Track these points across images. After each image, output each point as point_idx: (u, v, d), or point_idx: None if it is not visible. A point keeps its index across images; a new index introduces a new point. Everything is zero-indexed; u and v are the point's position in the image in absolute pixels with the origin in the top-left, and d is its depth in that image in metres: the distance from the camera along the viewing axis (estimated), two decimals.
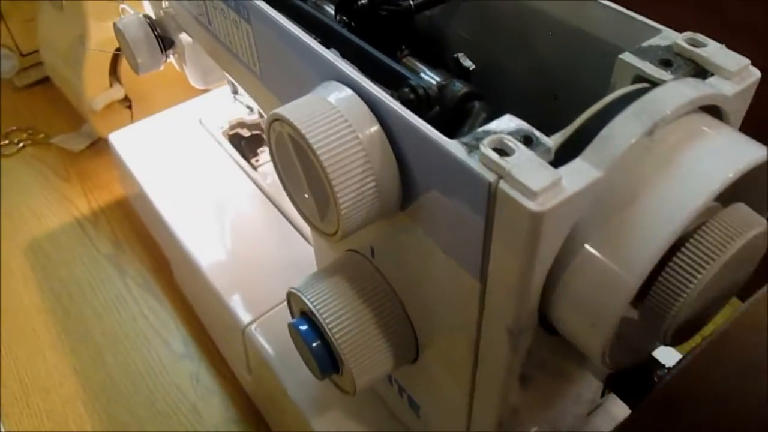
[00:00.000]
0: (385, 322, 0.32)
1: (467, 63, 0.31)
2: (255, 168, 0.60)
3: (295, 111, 0.24)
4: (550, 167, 0.20)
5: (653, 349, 0.27)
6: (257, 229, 0.54)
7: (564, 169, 0.21)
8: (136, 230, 0.70)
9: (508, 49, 0.34)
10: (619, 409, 0.41)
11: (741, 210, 0.22)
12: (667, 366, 0.35)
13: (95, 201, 0.74)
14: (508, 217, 0.21)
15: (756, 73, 0.24)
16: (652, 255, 0.20)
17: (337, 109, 0.24)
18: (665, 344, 0.24)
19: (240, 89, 0.63)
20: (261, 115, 0.63)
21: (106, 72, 0.71)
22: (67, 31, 0.71)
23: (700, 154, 0.21)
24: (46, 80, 0.88)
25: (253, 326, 0.47)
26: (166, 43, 0.49)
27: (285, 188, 0.28)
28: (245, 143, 0.64)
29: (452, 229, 0.24)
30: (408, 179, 0.25)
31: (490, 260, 0.23)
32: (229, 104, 0.65)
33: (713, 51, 0.25)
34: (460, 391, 0.30)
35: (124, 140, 0.63)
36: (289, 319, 0.36)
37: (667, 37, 0.26)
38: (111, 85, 0.72)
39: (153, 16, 0.51)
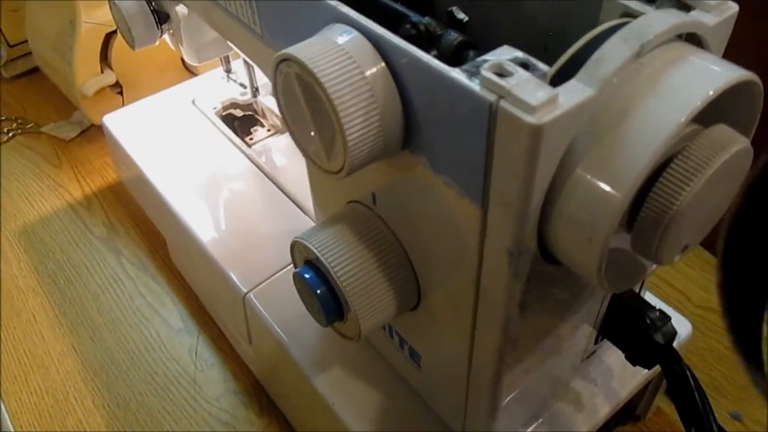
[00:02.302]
0: (388, 267, 0.33)
1: (461, 15, 0.33)
2: (249, 146, 0.61)
3: (303, 50, 0.26)
4: (548, 86, 0.22)
5: (646, 272, 0.28)
6: (253, 202, 0.55)
7: (560, 88, 0.22)
8: (129, 213, 0.71)
9: (498, 3, 0.35)
10: (612, 358, 0.43)
11: (723, 129, 0.24)
12: (657, 309, 0.36)
13: (88, 186, 0.74)
14: (509, 135, 0.22)
15: (734, 7, 0.26)
16: (641, 169, 0.22)
17: (343, 47, 0.26)
18: (657, 263, 0.25)
19: (233, 67, 0.64)
20: (254, 95, 0.64)
21: (96, 57, 0.72)
22: (57, 18, 0.71)
23: (684, 75, 0.23)
24: (34, 71, 0.88)
25: (252, 293, 0.48)
26: (161, 17, 0.49)
27: (290, 130, 0.29)
28: (238, 123, 0.64)
29: (454, 158, 0.25)
30: (410, 115, 0.26)
31: (491, 183, 0.24)
32: (221, 85, 0.66)
33: None
34: (462, 330, 0.32)
35: (118, 122, 0.64)
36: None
37: None
38: (102, 71, 0.73)
39: None
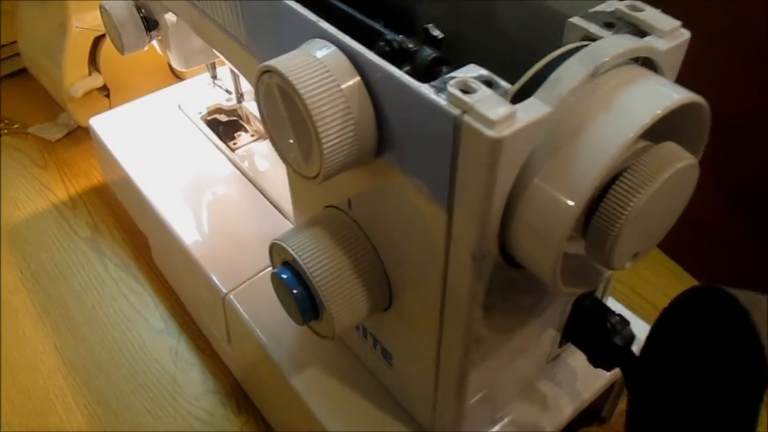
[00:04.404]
0: (362, 269, 0.35)
1: (436, 32, 0.35)
2: (233, 150, 0.62)
3: (284, 63, 0.27)
4: (508, 102, 0.24)
5: (601, 277, 0.30)
6: (236, 206, 0.57)
7: (519, 105, 0.24)
8: (114, 215, 0.72)
9: (475, 21, 0.37)
10: (576, 361, 0.45)
11: (671, 147, 0.26)
12: (618, 314, 0.38)
13: (73, 188, 0.75)
14: (472, 147, 0.24)
15: (686, 33, 0.28)
16: (591, 181, 0.24)
17: (321, 62, 0.27)
18: (609, 268, 0.27)
19: (219, 73, 0.66)
20: (238, 101, 0.65)
21: (85, 60, 0.73)
22: (48, 20, 0.73)
23: (635, 95, 0.25)
24: (21, 72, 0.89)
25: (232, 294, 0.50)
26: (150, 24, 0.51)
27: (270, 137, 0.31)
28: (223, 128, 0.66)
29: (423, 167, 0.27)
30: (384, 125, 0.28)
31: (456, 190, 0.26)
32: (207, 91, 0.67)
33: (650, 14, 0.28)
34: (430, 330, 0.33)
35: (104, 124, 0.65)
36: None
37: (612, 4, 0.30)
38: (90, 74, 0.74)
39: None
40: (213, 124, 0.66)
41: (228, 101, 0.66)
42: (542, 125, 0.24)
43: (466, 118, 0.24)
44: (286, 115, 0.29)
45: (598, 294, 0.40)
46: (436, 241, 0.29)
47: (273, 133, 0.30)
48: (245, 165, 0.61)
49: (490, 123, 0.23)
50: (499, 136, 0.23)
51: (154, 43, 0.56)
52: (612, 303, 0.48)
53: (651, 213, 0.26)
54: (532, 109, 0.24)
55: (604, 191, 0.25)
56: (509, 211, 0.26)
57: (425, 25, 0.35)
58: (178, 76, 0.79)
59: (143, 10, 0.51)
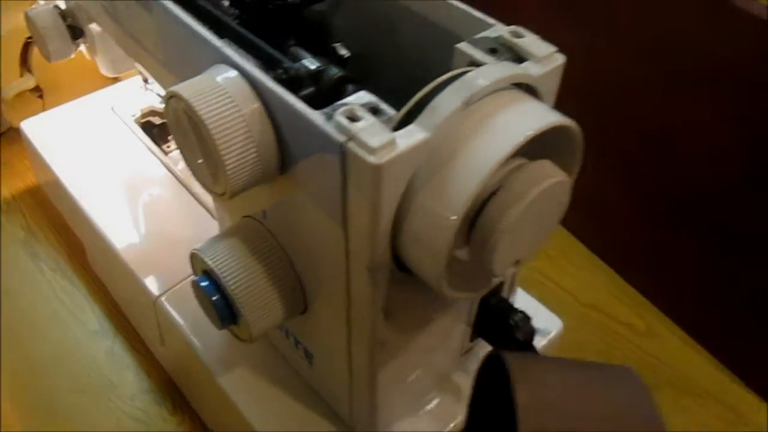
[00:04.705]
0: (276, 277, 0.37)
1: (343, 51, 0.37)
2: (166, 153, 0.63)
3: (187, 89, 0.29)
4: (388, 130, 0.26)
5: (489, 282, 0.32)
6: (168, 209, 0.58)
7: (399, 132, 0.26)
8: (48, 217, 0.72)
9: (382, 41, 0.39)
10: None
11: (543, 164, 0.28)
12: (520, 310, 0.41)
13: (7, 189, 0.75)
14: (357, 171, 0.26)
15: (560, 58, 0.31)
16: (467, 197, 0.26)
17: (223, 87, 0.29)
18: (492, 275, 0.30)
19: (150, 77, 0.66)
20: None
21: (16, 62, 0.72)
22: None
23: (508, 118, 0.27)
24: None
25: (163, 297, 0.51)
26: (76, 32, 0.51)
27: (183, 156, 0.32)
28: (157, 131, 0.67)
29: (320, 186, 0.29)
30: (284, 146, 0.30)
31: (348, 209, 0.28)
32: (140, 93, 0.68)
33: (529, 41, 0.31)
34: (341, 332, 0.36)
35: (36, 128, 0.65)
36: None
37: (497, 30, 0.32)
38: (21, 75, 0.74)
39: (63, 6, 0.53)
40: (147, 127, 0.67)
41: (162, 104, 0.66)
42: (421, 150, 0.26)
43: (351, 145, 0.26)
44: (194, 137, 0.30)
45: (504, 292, 0.43)
46: (336, 254, 0.31)
47: (184, 152, 0.32)
48: (178, 168, 0.62)
49: (371, 150, 0.25)
50: (380, 162, 0.25)
51: (82, 48, 0.57)
52: (529, 295, 0.51)
53: (526, 224, 0.28)
54: (411, 136, 0.26)
55: (484, 205, 0.28)
56: (398, 226, 0.28)
57: (333, 44, 0.37)
58: (113, 77, 0.79)
59: (68, 18, 0.51)
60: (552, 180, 0.28)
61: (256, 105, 0.29)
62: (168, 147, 0.64)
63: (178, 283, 0.52)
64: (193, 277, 0.39)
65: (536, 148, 0.29)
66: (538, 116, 0.28)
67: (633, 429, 0.20)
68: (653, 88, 0.55)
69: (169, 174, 0.61)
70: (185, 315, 0.50)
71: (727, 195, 0.54)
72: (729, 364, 0.61)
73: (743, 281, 0.56)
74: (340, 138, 0.26)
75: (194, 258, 0.38)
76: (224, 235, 0.38)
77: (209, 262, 0.36)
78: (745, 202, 0.53)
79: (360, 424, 0.42)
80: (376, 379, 0.37)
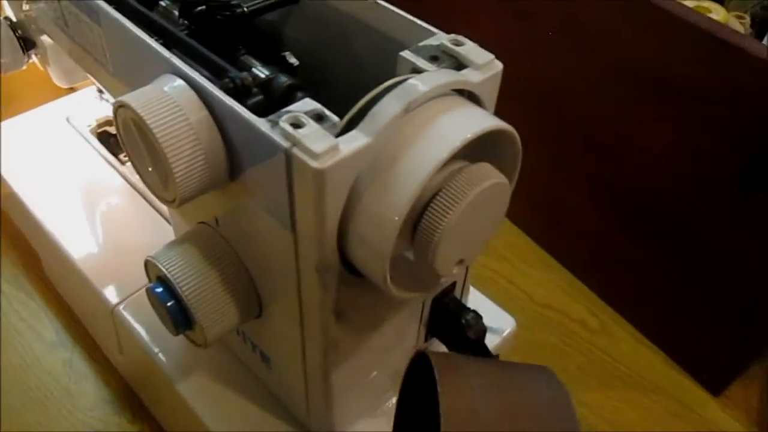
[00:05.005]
0: (230, 282, 0.37)
1: (292, 60, 0.38)
2: (123, 163, 0.63)
3: (135, 99, 0.30)
4: (331, 136, 0.27)
5: (436, 283, 0.34)
6: (125, 218, 0.58)
7: (342, 138, 0.27)
8: (4, 229, 0.71)
9: (332, 49, 0.40)
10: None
11: (483, 167, 0.30)
12: (472, 310, 0.43)
13: None
14: (302, 176, 0.27)
15: (499, 66, 0.32)
16: (409, 198, 0.27)
17: (171, 96, 0.30)
18: (437, 274, 0.31)
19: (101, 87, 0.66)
20: None
21: None
22: None
23: (447, 123, 0.28)
24: None
25: (121, 306, 0.51)
26: (27, 44, 0.51)
27: (133, 164, 0.33)
28: (113, 141, 0.66)
29: (268, 192, 0.30)
30: (232, 153, 0.31)
31: (295, 213, 0.29)
32: (96, 103, 0.68)
33: (469, 49, 0.32)
34: (295, 335, 0.36)
35: None
36: None
37: (439, 38, 0.33)
38: None
39: (14, 18, 0.53)
40: (103, 137, 0.66)
41: None
42: (363, 155, 0.27)
43: (295, 150, 0.27)
44: (143, 146, 0.31)
45: (457, 292, 0.44)
46: (287, 257, 0.32)
47: (134, 160, 0.32)
48: (135, 178, 0.62)
49: (314, 155, 0.26)
50: (323, 167, 0.26)
51: (34, 59, 0.57)
52: (483, 295, 0.52)
53: (467, 225, 0.30)
54: (353, 141, 0.27)
55: (426, 207, 0.29)
56: (344, 228, 0.29)
57: (283, 53, 0.38)
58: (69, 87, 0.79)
59: (19, 30, 0.51)
60: (491, 181, 0.29)
61: (204, 113, 0.30)
62: (124, 156, 0.64)
63: (135, 292, 0.52)
64: (148, 285, 0.39)
65: (477, 152, 0.30)
66: (476, 121, 0.29)
67: (551, 429, 0.22)
68: (606, 93, 0.57)
69: (126, 183, 0.61)
70: (143, 323, 0.50)
71: (678, 198, 0.56)
72: (679, 360, 0.63)
73: (692, 280, 0.58)
74: (285, 144, 0.27)
75: (149, 265, 0.38)
76: (178, 241, 0.38)
77: (163, 269, 0.37)
78: (695, 204, 0.55)
79: (317, 425, 0.43)
80: (331, 379, 0.38)
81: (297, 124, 0.27)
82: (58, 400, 0.57)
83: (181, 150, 0.29)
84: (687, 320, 0.61)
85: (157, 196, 0.32)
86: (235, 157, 0.31)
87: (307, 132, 0.27)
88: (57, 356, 0.60)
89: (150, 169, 0.31)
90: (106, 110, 0.67)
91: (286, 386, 0.43)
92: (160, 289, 0.37)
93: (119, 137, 0.32)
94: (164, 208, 0.58)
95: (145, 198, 0.59)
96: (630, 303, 0.66)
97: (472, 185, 0.29)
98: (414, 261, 0.32)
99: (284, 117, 0.27)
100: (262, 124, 0.28)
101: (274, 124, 0.28)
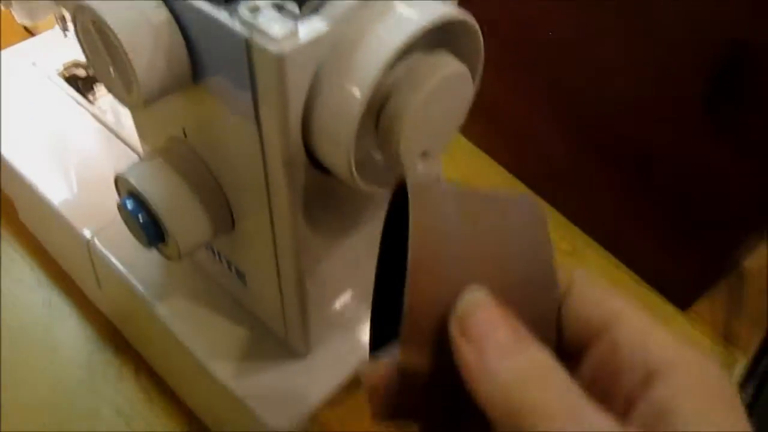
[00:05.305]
0: (201, 192, 0.38)
1: None
2: (92, 103, 0.63)
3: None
4: (291, 21, 0.27)
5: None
6: (98, 156, 0.58)
7: (301, 24, 0.27)
8: None
9: None
10: None
11: (444, 55, 0.30)
12: None
13: None
14: (262, 64, 0.27)
15: None
16: (371, 82, 0.28)
17: None
18: (402, 166, 0.32)
19: (71, 25, 0.65)
20: None
21: None
22: None
23: (407, 9, 0.29)
24: None
25: (96, 239, 0.51)
26: None
27: (94, 70, 0.33)
28: (82, 83, 0.66)
29: (232, 86, 0.30)
30: (195, 52, 0.31)
31: (259, 106, 0.29)
32: (62, 46, 0.67)
33: None
34: (267, 245, 0.37)
35: None
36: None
37: None
38: None
39: None
40: (72, 80, 0.66)
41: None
42: (323, 42, 0.28)
43: (254, 37, 0.27)
44: (104, 48, 0.31)
45: None
46: (253, 155, 0.32)
47: (95, 66, 0.32)
48: (106, 117, 0.61)
49: (274, 41, 0.26)
50: (283, 51, 0.26)
51: None
52: None
53: (430, 114, 0.30)
54: (313, 27, 0.27)
55: (389, 97, 0.30)
56: (308, 120, 0.30)
57: None
58: (29, 32, 0.77)
59: None
60: (453, 68, 0.30)
61: (162, 8, 0.30)
62: (94, 96, 0.64)
63: (109, 223, 0.52)
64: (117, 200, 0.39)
65: (439, 46, 0.31)
66: (438, 9, 0.29)
67: (521, 251, 0.22)
68: (564, 6, 0.58)
69: (97, 123, 0.61)
70: (119, 253, 0.50)
71: (646, 121, 0.57)
72: (648, 278, 0.65)
73: (658, 199, 0.60)
74: (245, 32, 0.27)
75: (119, 181, 0.39)
76: (146, 156, 0.38)
77: (133, 182, 0.37)
78: (661, 126, 0.56)
79: (295, 340, 0.44)
80: (306, 290, 0.39)
81: (256, 11, 0.27)
82: (40, 339, 0.58)
83: (142, 49, 0.29)
84: (654, 239, 0.62)
85: (121, 101, 0.32)
86: (197, 54, 0.31)
87: (266, 19, 0.27)
88: (36, 298, 0.60)
89: (112, 72, 0.32)
90: (73, 54, 0.66)
91: (262, 303, 0.44)
92: (130, 203, 0.38)
93: (80, 44, 0.32)
94: (137, 143, 0.58)
95: (117, 136, 0.59)
96: (599, 225, 0.67)
97: (435, 71, 0.29)
98: (379, 157, 0.33)
99: (243, 5, 0.28)
100: (220, 13, 0.28)
101: (233, 12, 0.28)
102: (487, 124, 0.70)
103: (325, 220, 0.36)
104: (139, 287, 0.49)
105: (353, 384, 0.54)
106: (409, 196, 0.22)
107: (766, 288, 0.63)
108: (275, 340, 0.46)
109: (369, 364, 0.23)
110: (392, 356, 0.21)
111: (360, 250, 0.41)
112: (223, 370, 0.44)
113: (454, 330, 0.20)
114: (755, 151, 0.50)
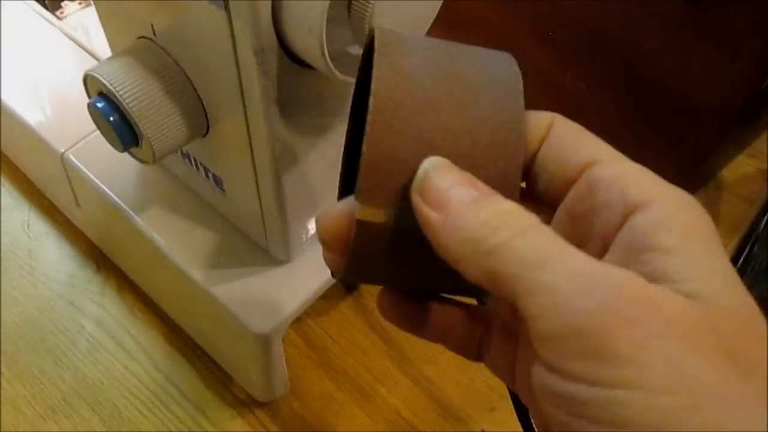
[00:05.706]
0: (174, 93, 0.37)
1: None
2: (60, 19, 0.61)
3: None
4: None
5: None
6: (69, 73, 0.57)
7: None
8: None
9: None
10: None
11: None
12: None
13: None
14: None
15: None
16: None
17: None
18: None
19: None
20: None
21: None
22: None
23: None
24: None
25: (70, 152, 0.51)
26: None
27: None
28: (49, 1, 0.64)
29: None
30: None
31: None
32: None
33: None
34: (243, 143, 0.37)
35: None
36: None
37: None
38: None
39: None
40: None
41: None
42: None
43: None
44: None
45: None
46: (224, 46, 0.31)
47: None
48: (76, 33, 0.60)
49: None
50: None
51: None
52: None
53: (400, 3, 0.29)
54: None
55: None
56: (277, 5, 0.29)
57: None
58: None
59: None
60: None
61: None
62: (62, 13, 0.62)
63: (83, 138, 0.51)
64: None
65: None
66: None
67: (491, 104, 0.21)
68: None
69: (67, 39, 0.59)
70: (94, 167, 0.50)
71: (622, 15, 0.56)
72: None
73: (637, 104, 0.60)
74: None
75: (88, 79, 0.38)
76: (118, 55, 0.37)
77: (104, 81, 0.36)
78: (640, 21, 0.55)
79: (275, 247, 0.44)
80: (284, 193, 0.38)
81: None
82: (20, 258, 0.57)
83: None
84: (632, 147, 0.62)
85: None
86: None
87: None
88: (14, 219, 0.60)
89: None
90: None
91: (242, 210, 0.44)
92: (102, 104, 0.37)
93: None
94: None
95: (87, 51, 0.58)
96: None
97: None
98: (355, 52, 0.32)
99: None
100: None
101: None
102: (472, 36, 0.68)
103: (301, 118, 0.36)
104: (117, 200, 0.48)
105: (337, 295, 0.55)
106: (375, 46, 0.21)
107: (742, 197, 0.64)
108: (256, 248, 0.46)
109: (324, 209, 0.22)
110: (350, 206, 0.21)
111: (339, 150, 0.41)
112: (205, 277, 0.45)
113: (414, 195, 0.20)
114: (735, 47, 0.50)
